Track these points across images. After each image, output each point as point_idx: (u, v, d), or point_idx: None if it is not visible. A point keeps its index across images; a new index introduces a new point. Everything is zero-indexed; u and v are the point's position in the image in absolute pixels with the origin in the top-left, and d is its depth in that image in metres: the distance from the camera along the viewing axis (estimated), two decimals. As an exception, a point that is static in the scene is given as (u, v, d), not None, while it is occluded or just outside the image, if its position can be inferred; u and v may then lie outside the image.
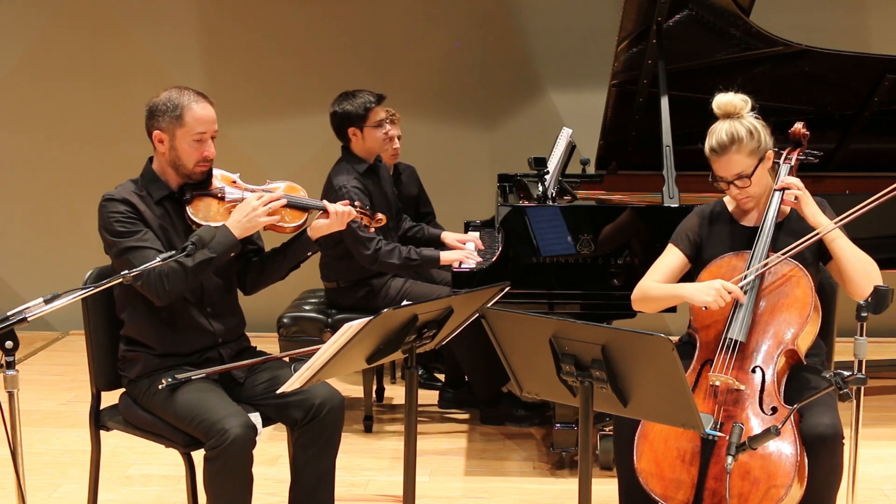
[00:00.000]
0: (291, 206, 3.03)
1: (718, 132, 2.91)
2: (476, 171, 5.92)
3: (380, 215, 3.25)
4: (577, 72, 5.82)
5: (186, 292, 2.92)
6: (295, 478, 3.02)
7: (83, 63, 5.96)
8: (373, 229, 3.29)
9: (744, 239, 2.98)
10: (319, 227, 3.06)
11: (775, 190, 2.91)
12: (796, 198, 2.87)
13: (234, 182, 3.04)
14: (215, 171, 3.02)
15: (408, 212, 4.86)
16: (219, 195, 2.98)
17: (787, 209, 2.99)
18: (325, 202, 3.08)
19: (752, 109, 2.95)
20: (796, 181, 2.90)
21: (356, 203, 3.15)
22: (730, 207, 3.08)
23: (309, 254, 3.11)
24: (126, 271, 2.57)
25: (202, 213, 2.95)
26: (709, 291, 2.82)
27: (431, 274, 4.58)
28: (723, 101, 2.94)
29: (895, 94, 4.40)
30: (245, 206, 2.91)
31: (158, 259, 2.61)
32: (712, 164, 2.94)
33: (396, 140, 4.75)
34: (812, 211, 2.86)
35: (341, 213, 3.06)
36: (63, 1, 5.90)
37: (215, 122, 2.95)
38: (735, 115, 2.92)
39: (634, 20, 4.16)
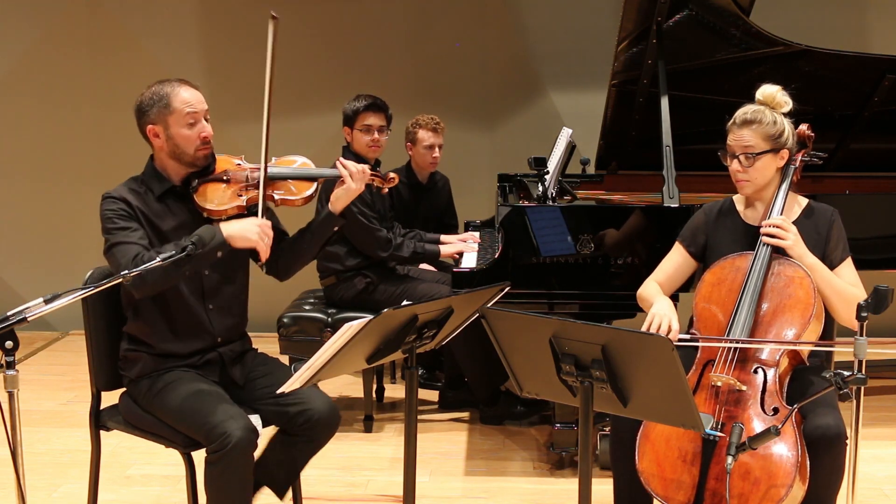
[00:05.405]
0: (298, 178, 2.99)
1: (746, 108, 2.98)
2: (476, 171, 5.92)
3: (391, 174, 3.17)
4: (577, 72, 5.82)
5: (184, 286, 2.90)
6: (264, 454, 3.00)
7: (83, 63, 5.96)
8: (386, 189, 3.22)
9: (749, 236, 2.99)
10: (339, 196, 3.02)
11: (762, 234, 2.91)
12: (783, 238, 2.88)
13: (239, 164, 3.00)
14: (219, 156, 2.98)
15: (431, 220, 4.91)
16: (224, 178, 2.94)
17: (795, 208, 3.01)
18: (339, 163, 3.02)
19: (789, 114, 2.99)
20: (783, 226, 2.89)
21: (365, 165, 3.08)
22: (738, 206, 3.09)
23: (336, 228, 3.05)
24: (126, 271, 2.54)
25: (212, 199, 2.90)
26: (649, 320, 2.87)
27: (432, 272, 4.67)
28: (767, 91, 2.99)
29: (895, 94, 4.40)
30: (248, 221, 2.85)
31: (158, 259, 2.56)
32: (728, 136, 2.99)
33: (437, 149, 4.79)
34: (799, 252, 2.88)
35: (356, 173, 2.99)
36: (63, 2, 5.91)
37: (204, 102, 2.92)
38: (772, 107, 2.97)
39: (634, 20, 4.16)
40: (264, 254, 2.86)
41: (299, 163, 3.07)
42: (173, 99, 2.87)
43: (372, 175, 3.08)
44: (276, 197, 2.97)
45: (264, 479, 3.02)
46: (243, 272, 3.08)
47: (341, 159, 3.06)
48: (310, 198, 3.01)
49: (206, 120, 2.92)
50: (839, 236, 2.96)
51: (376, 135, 4.38)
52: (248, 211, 2.95)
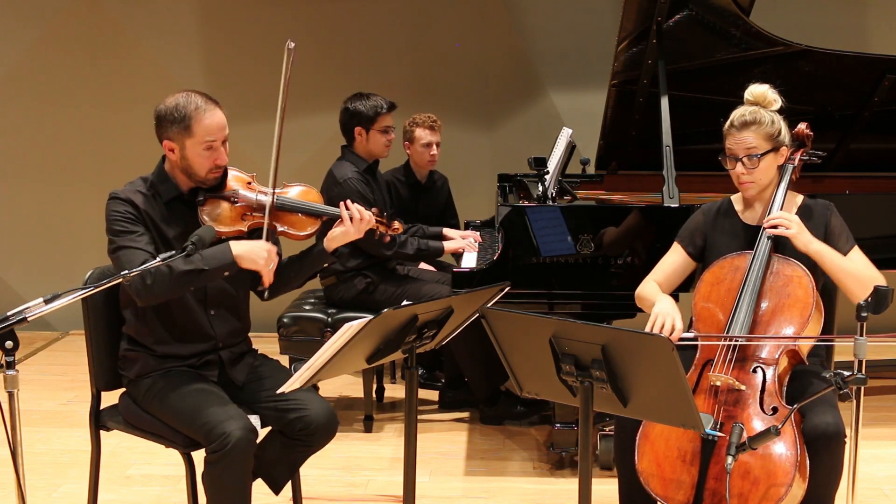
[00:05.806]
0: (305, 212, 2.97)
1: (742, 110, 2.97)
2: (476, 171, 5.92)
3: (396, 223, 3.12)
4: (577, 72, 5.82)
5: (187, 293, 2.89)
6: (262, 450, 2.98)
7: (83, 63, 5.96)
8: (388, 238, 3.16)
9: (748, 236, 2.99)
10: (335, 238, 2.98)
11: (764, 228, 2.92)
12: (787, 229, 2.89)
13: (250, 184, 2.97)
14: (231, 173, 2.95)
15: (430, 219, 4.91)
16: (232, 199, 2.92)
17: (793, 207, 3.02)
18: (342, 208, 2.97)
19: (780, 112, 2.99)
20: (784, 217, 2.90)
21: (373, 209, 3.05)
22: (736, 206, 3.09)
23: (325, 265, 3.05)
24: (126, 271, 2.54)
25: (215, 217, 2.88)
26: (653, 319, 2.87)
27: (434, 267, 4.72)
28: (758, 90, 2.99)
29: (895, 94, 4.40)
30: (258, 245, 2.84)
31: (158, 259, 2.56)
32: (727, 140, 2.98)
33: (435, 147, 4.79)
34: (805, 240, 2.88)
35: (358, 221, 2.96)
36: (63, 2, 5.91)
37: (225, 128, 2.88)
38: (763, 106, 2.97)
39: (634, 20, 4.16)
40: (267, 279, 2.87)
41: (296, 192, 3.02)
42: (195, 124, 2.82)
43: (377, 221, 3.04)
44: (279, 228, 2.96)
45: (260, 474, 3.02)
46: (244, 278, 3.05)
47: (348, 202, 3.00)
48: (310, 236, 3.00)
49: (225, 143, 2.88)
50: (840, 227, 2.96)
51: (392, 134, 4.42)
52: (249, 236, 2.93)
